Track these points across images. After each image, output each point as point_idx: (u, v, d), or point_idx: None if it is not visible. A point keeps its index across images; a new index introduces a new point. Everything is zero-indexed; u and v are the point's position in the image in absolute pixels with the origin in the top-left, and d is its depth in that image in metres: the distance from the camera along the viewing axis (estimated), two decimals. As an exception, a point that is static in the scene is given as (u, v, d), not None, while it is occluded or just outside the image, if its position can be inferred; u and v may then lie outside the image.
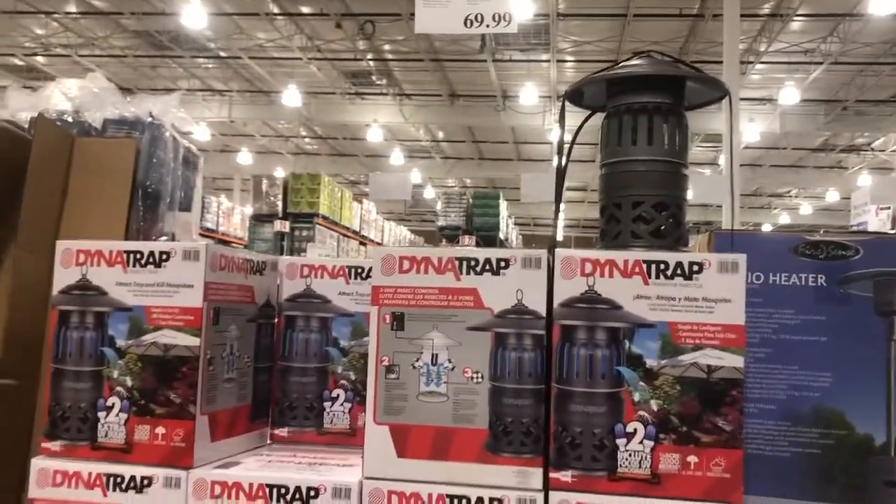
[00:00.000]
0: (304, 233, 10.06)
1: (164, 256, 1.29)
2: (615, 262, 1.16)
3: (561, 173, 1.46)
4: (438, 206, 12.42)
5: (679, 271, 1.15)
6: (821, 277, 1.29)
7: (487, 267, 1.20)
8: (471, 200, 12.47)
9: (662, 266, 1.15)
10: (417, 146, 20.64)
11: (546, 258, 1.19)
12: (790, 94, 13.71)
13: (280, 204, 10.26)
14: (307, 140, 21.41)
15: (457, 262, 1.20)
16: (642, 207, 1.30)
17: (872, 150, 17.46)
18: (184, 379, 1.26)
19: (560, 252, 1.19)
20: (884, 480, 1.24)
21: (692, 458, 1.12)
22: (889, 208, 10.18)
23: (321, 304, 1.49)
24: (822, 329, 1.27)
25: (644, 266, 1.16)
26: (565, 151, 1.44)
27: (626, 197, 1.31)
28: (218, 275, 1.31)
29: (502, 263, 1.19)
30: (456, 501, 1.15)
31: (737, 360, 1.13)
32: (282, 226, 9.98)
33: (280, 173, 17.89)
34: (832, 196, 20.26)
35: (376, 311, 1.22)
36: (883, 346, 1.26)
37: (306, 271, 1.50)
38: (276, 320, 1.50)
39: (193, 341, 1.26)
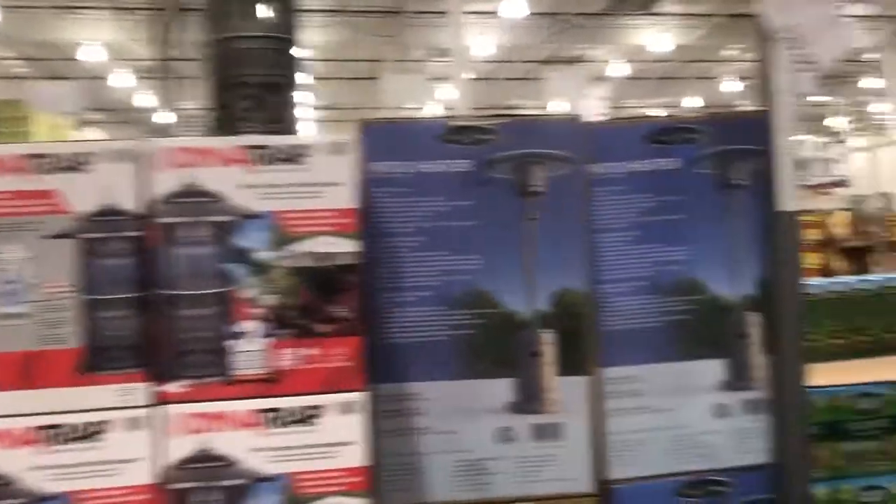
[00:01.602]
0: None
1: None
2: (214, 150, 1.06)
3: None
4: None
5: (285, 156, 1.07)
6: (467, 163, 1.29)
7: (67, 164, 1.04)
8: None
9: (267, 151, 1.07)
10: (145, 66, 18.98)
11: (145, 151, 1.06)
12: (516, 7, 14.28)
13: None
14: (12, 62, 18.85)
15: (29, 160, 1.03)
16: (249, 88, 1.21)
17: (592, 61, 18.86)
18: None
19: (155, 143, 1.06)
20: (528, 352, 1.29)
21: (312, 351, 1.07)
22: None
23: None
24: (471, 214, 1.29)
25: (247, 152, 1.06)
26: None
27: (233, 78, 1.21)
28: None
29: (82, 160, 1.04)
30: (51, 433, 1.01)
31: (351, 246, 1.08)
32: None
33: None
34: (560, 106, 21.72)
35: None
36: (525, 226, 1.29)
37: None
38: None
39: None
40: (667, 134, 1.34)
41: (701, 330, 1.34)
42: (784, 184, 1.08)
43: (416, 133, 1.26)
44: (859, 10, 14.50)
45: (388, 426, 1.21)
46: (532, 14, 15.32)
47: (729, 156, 1.33)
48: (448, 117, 1.27)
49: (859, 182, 18.30)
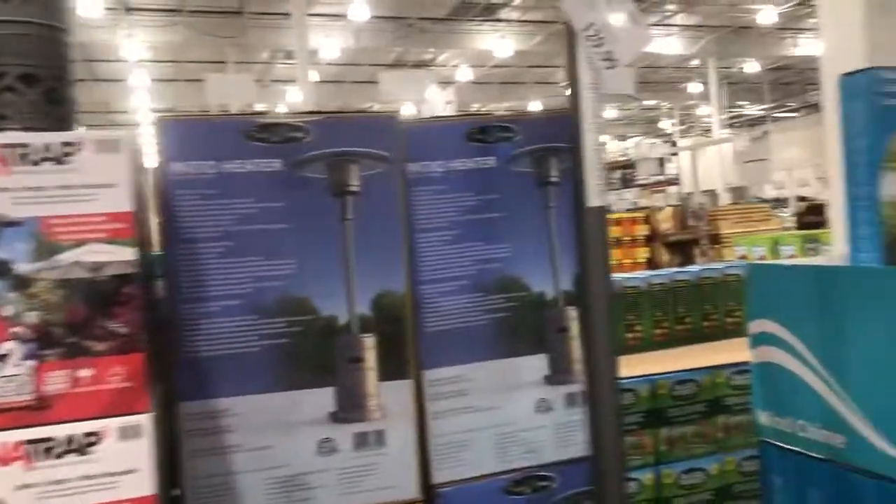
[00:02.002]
0: None
1: None
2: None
3: None
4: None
5: (48, 155, 0.96)
6: (276, 162, 1.22)
7: None
8: None
9: (26, 150, 0.96)
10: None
11: None
12: (360, 10, 14.24)
13: None
14: None
15: None
16: (5, 80, 1.09)
17: (438, 65, 19.13)
18: None
19: None
20: (348, 358, 1.24)
21: (85, 372, 0.97)
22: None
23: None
24: (283, 216, 1.22)
25: (2, 152, 0.95)
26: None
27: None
28: None
29: None
30: None
31: (128, 253, 0.99)
32: None
33: None
34: (409, 108, 21.93)
35: None
36: (341, 227, 1.24)
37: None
38: None
39: None
40: (484, 132, 1.34)
41: (523, 326, 1.34)
42: (590, 180, 1.10)
43: (221, 131, 1.18)
44: (681, 19, 15.54)
45: (197, 446, 1.13)
46: (376, 17, 15.36)
47: (545, 153, 1.35)
48: (255, 114, 1.20)
49: (687, 180, 19.63)
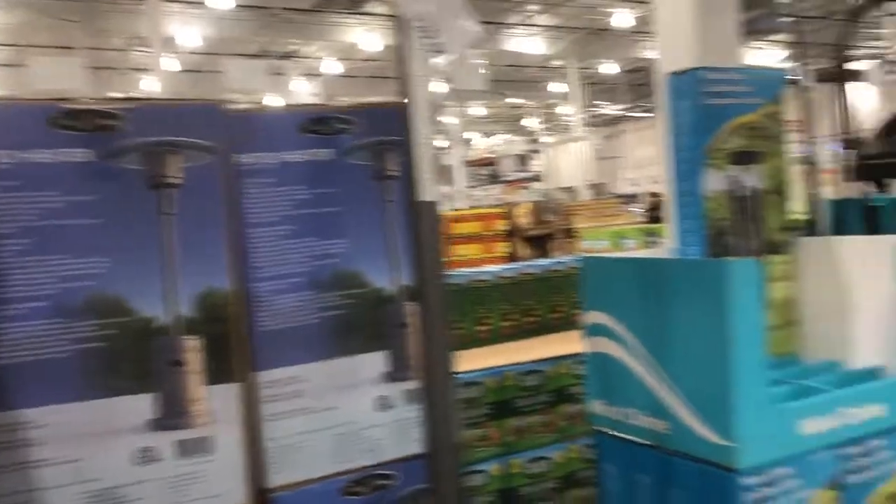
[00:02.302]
0: None
1: None
2: None
3: None
4: None
5: None
6: (87, 152, 1.13)
7: None
8: None
9: None
10: None
11: None
12: (222, -1, 13.75)
13: None
14: None
15: None
16: None
17: (303, 57, 18.78)
18: None
19: None
20: (170, 361, 1.17)
21: None
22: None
23: None
24: (94, 210, 1.13)
25: None
26: None
27: None
28: None
29: None
30: None
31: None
32: None
33: None
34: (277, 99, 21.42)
35: None
36: (159, 222, 1.17)
37: None
38: None
39: None
40: (321, 123, 1.30)
41: (361, 323, 1.31)
42: (422, 174, 1.08)
43: (19, 117, 1.07)
44: (542, 20, 16.00)
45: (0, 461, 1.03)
46: (239, 6, 14.88)
47: (384, 146, 1.32)
48: (62, 99, 1.10)
49: (550, 177, 20.27)
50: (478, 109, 23.55)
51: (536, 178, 20.10)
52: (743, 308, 1.10)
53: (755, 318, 1.11)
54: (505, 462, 1.87)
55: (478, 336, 2.18)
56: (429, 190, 1.09)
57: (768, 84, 1.45)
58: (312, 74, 17.93)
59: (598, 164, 20.02)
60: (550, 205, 6.94)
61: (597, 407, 1.36)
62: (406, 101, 1.09)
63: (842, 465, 1.19)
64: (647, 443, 1.25)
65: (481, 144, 24.25)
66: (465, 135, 27.75)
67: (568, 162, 19.78)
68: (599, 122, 24.72)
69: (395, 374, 1.33)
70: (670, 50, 1.85)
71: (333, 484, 1.28)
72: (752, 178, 1.45)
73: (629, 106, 22.23)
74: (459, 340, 2.15)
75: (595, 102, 23.60)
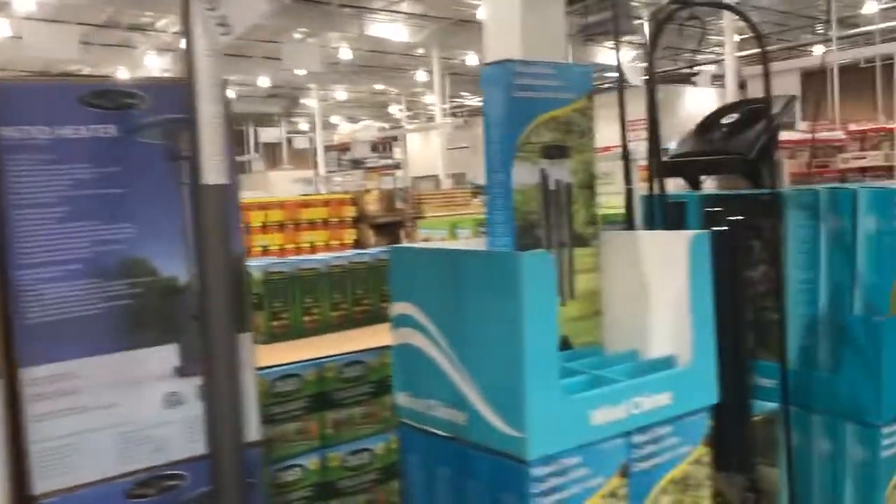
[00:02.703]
0: None
1: None
2: None
3: None
4: None
5: None
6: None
7: None
8: None
9: None
10: None
11: None
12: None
13: None
14: None
15: None
16: None
17: (156, 30, 17.86)
18: None
19: None
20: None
21: None
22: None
23: None
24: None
25: None
26: None
27: None
28: None
29: None
30: None
31: None
32: None
33: None
34: (122, 73, 20.29)
35: None
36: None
37: None
38: None
39: None
40: (104, 97, 1.19)
41: (149, 314, 1.22)
42: (207, 155, 1.01)
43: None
44: (406, 7, 15.98)
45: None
46: (84, -29, 13.91)
47: (175, 125, 1.24)
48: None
49: (411, 164, 20.35)
50: (340, 93, 23.28)
51: (398, 166, 20.15)
52: (534, 300, 1.10)
53: (547, 311, 1.13)
54: (323, 455, 1.83)
55: (304, 326, 2.11)
56: (216, 172, 1.02)
57: (578, 80, 1.48)
58: (167, 50, 17.07)
59: (453, 154, 20.26)
60: (401, 192, 6.94)
61: (401, 399, 1.34)
62: (189, 75, 1.02)
63: (630, 453, 1.22)
64: (446, 434, 1.24)
65: (346, 130, 24.03)
66: (333, 120, 27.39)
67: (429, 151, 19.94)
68: (465, 113, 25.06)
69: (187, 368, 1.25)
70: (495, 43, 1.85)
71: (116, 487, 1.19)
72: (562, 172, 1.47)
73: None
74: (284, 331, 2.08)
75: (460, 93, 23.88)
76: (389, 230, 6.28)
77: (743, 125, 1.98)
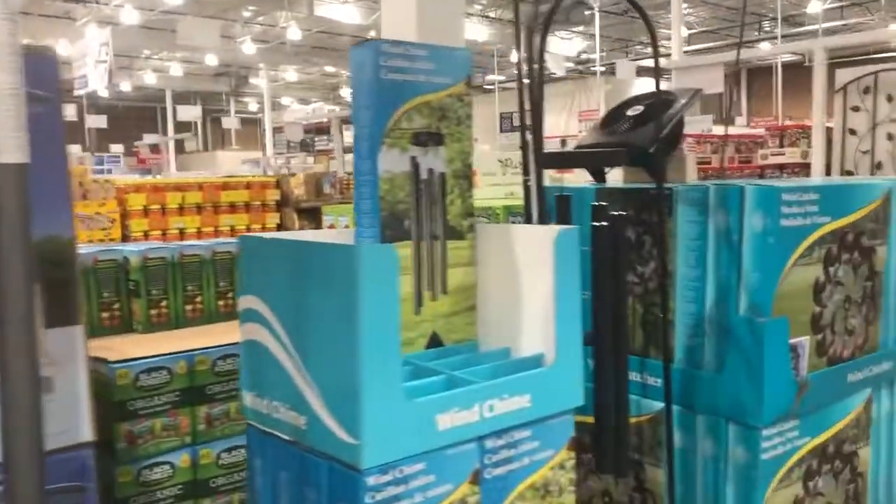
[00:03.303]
0: None
1: None
2: None
3: None
4: None
5: None
6: None
7: None
8: None
9: None
10: None
11: None
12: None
13: None
14: None
15: None
16: None
17: (98, 2, 17.30)
18: None
19: None
20: None
21: None
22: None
23: None
24: None
25: None
26: None
27: None
28: None
29: None
30: None
31: None
32: None
33: None
34: (65, 48, 19.62)
35: None
36: None
37: None
38: None
39: None
40: None
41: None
42: (5, 131, 0.91)
43: None
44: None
45: None
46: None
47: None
48: None
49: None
50: (291, 74, 22.90)
51: (349, 150, 19.90)
52: (373, 297, 1.03)
53: (387, 309, 1.05)
54: (195, 452, 1.74)
55: (186, 316, 2.01)
56: (13, 150, 0.92)
57: (455, 64, 1.40)
58: (109, 22, 16.54)
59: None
60: (328, 177, 6.81)
61: (248, 399, 1.25)
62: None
63: (484, 458, 1.16)
64: (288, 438, 1.16)
65: (297, 111, 23.68)
66: (285, 101, 26.93)
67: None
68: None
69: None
70: (392, 25, 1.76)
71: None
72: (435, 161, 1.39)
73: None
74: (163, 320, 1.97)
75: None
76: (315, 215, 6.16)
77: (646, 118, 1.93)
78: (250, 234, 1.26)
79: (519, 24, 1.60)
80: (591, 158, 1.75)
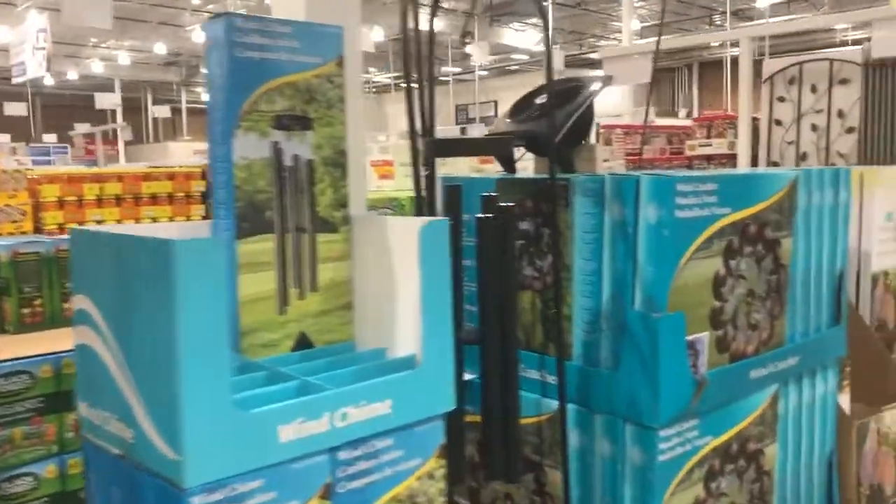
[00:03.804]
0: None
1: None
2: None
3: None
4: None
5: None
6: None
7: None
8: None
9: None
10: None
11: None
12: None
13: None
14: None
15: None
16: None
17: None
18: None
19: None
20: None
21: None
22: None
23: None
24: None
25: None
26: None
27: None
28: None
29: None
30: None
31: None
32: None
33: None
34: (5, 34, 18.98)
35: None
36: None
37: None
38: None
39: None
40: None
41: None
42: None
43: None
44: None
45: None
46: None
47: None
48: None
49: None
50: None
51: (301, 141, 19.63)
52: (192, 297, 0.92)
53: (211, 311, 0.94)
54: (63, 462, 1.61)
55: (63, 315, 1.88)
56: None
57: (325, 43, 1.30)
58: (47, 8, 16.03)
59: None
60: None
61: (83, 409, 1.14)
62: None
63: (336, 471, 1.07)
64: (119, 452, 1.05)
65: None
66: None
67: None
68: (370, 89, 24.66)
69: None
70: (279, 4, 1.65)
71: None
72: (301, 147, 1.29)
73: (397, 74, 22.34)
74: (37, 320, 1.84)
75: (368, 69, 23.44)
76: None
77: (551, 107, 1.84)
78: (82, 227, 1.14)
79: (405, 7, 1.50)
80: (479, 146, 1.66)
